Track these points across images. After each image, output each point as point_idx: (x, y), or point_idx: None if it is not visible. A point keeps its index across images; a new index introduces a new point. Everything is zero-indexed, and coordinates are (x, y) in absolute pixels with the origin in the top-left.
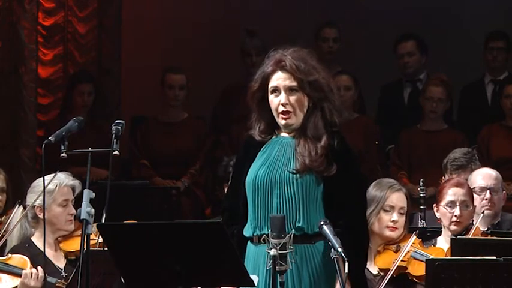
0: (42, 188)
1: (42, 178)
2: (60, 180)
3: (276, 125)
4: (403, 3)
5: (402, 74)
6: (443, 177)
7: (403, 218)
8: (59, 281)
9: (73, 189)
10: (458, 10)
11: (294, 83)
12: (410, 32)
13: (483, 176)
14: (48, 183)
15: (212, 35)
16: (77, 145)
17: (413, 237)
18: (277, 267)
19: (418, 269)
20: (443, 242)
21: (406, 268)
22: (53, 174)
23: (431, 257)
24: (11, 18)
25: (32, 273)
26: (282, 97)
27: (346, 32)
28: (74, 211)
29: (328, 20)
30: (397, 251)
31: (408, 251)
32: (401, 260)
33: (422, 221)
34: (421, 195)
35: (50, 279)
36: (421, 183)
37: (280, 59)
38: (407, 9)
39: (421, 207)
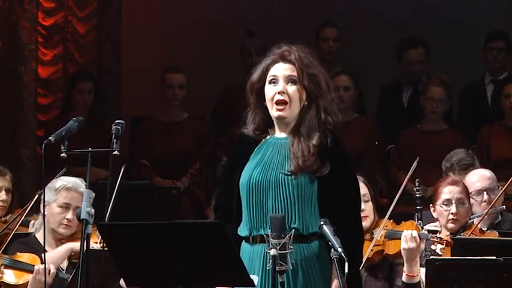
0: (54, 186)
1: (59, 177)
2: (68, 183)
3: (270, 123)
4: (403, 3)
5: (405, 77)
6: None
7: (369, 204)
8: (71, 277)
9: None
10: (458, 10)
11: (294, 73)
12: (406, 30)
13: (478, 178)
14: (59, 187)
15: (212, 35)
16: (77, 145)
17: (385, 221)
18: (277, 267)
19: (393, 247)
20: None
21: (384, 250)
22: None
23: (403, 231)
24: (11, 18)
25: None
26: (280, 85)
27: (346, 32)
28: (72, 217)
29: (328, 20)
30: (371, 238)
31: (381, 235)
32: (376, 245)
33: (419, 221)
34: (417, 195)
35: (62, 275)
36: (417, 184)
37: (284, 50)
38: (407, 9)
39: (417, 207)
